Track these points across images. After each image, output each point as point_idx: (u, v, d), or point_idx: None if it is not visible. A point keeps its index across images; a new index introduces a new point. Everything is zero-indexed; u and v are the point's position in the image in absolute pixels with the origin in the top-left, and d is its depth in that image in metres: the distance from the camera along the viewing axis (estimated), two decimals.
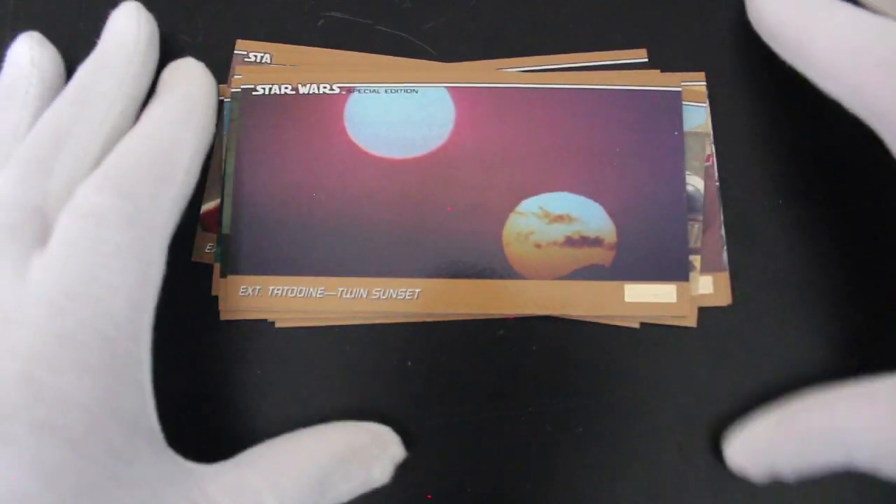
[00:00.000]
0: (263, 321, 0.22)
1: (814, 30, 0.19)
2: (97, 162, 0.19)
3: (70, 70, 0.22)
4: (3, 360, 0.16)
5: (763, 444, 0.19)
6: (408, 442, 0.21)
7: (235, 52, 0.24)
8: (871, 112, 0.18)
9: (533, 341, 0.22)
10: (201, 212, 0.23)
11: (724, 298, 0.22)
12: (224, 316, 0.22)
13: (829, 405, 0.18)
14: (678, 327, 0.22)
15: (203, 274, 0.23)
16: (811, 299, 0.22)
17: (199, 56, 0.24)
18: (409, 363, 0.22)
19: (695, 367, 0.22)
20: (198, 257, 0.23)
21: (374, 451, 0.20)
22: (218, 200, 0.23)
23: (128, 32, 0.21)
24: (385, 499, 0.21)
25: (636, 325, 0.22)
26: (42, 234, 0.18)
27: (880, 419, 0.17)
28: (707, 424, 0.21)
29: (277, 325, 0.22)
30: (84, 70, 0.21)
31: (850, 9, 0.19)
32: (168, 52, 0.24)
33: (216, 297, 0.22)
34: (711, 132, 0.23)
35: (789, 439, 0.19)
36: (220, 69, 0.24)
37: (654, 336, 0.22)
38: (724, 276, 0.22)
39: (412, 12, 0.24)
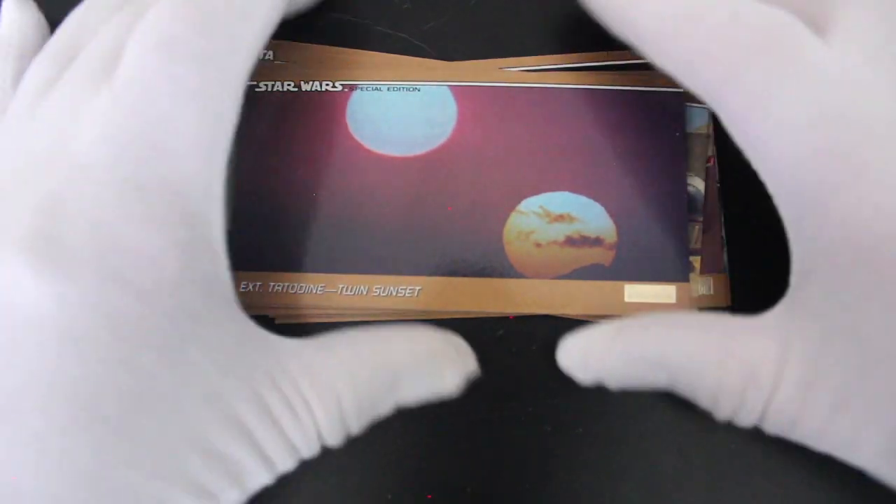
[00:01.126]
0: (264, 317, 0.22)
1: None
2: None
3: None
4: (76, 203, 0.15)
5: (595, 352, 0.19)
6: (408, 442, 0.21)
7: None
8: (705, 90, 0.17)
9: (533, 341, 0.22)
10: None
11: (724, 300, 0.22)
12: None
13: (664, 329, 0.19)
14: None
15: None
16: None
17: None
18: None
19: None
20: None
21: (451, 359, 0.20)
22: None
23: None
24: (386, 499, 0.21)
25: None
26: (110, 63, 0.17)
27: (704, 352, 0.18)
28: (707, 424, 0.21)
29: (277, 321, 0.22)
30: None
31: None
32: None
33: None
34: (712, 134, 0.23)
35: (619, 354, 0.19)
36: None
37: None
38: (724, 278, 0.22)
39: (412, 12, 0.24)
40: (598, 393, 0.21)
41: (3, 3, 0.22)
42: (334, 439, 0.18)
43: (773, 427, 0.18)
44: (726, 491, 0.21)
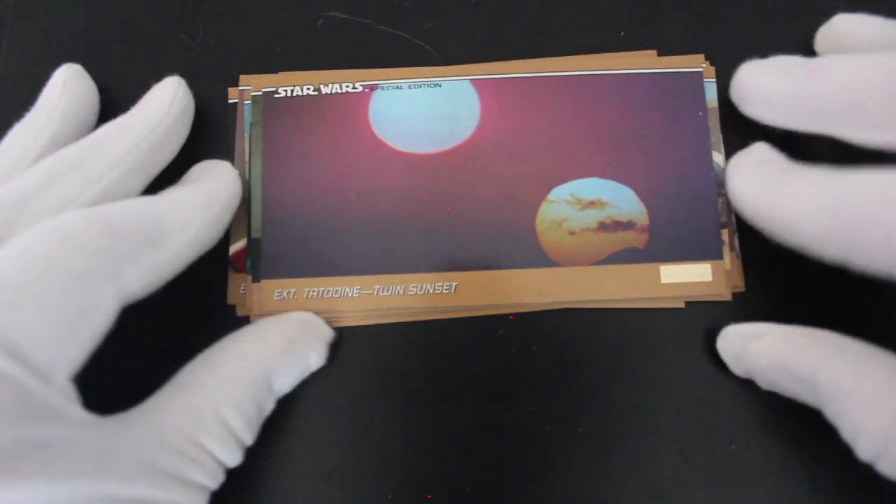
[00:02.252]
0: None
1: (795, 202, 0.18)
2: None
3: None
4: None
5: (751, 352, 0.20)
6: (408, 442, 0.21)
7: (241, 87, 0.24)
8: (875, 261, 0.17)
9: (533, 341, 0.22)
10: (230, 253, 0.22)
11: (738, 278, 0.22)
12: (252, 315, 0.22)
13: (824, 353, 0.18)
14: (677, 326, 0.22)
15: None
16: (818, 290, 0.22)
17: (199, 56, 0.24)
18: (409, 362, 0.22)
19: (695, 366, 0.22)
20: (233, 300, 0.22)
21: (308, 338, 0.21)
22: (245, 240, 0.22)
23: (161, 102, 0.21)
24: (385, 499, 0.21)
25: (681, 305, 0.22)
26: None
27: (855, 389, 0.17)
28: (707, 424, 0.21)
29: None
30: (105, 127, 0.21)
31: (823, 169, 0.18)
32: (167, 52, 0.23)
33: (233, 306, 0.22)
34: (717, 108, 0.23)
35: (774, 364, 0.19)
36: (220, 69, 0.24)
37: (654, 336, 0.22)
38: (735, 259, 0.22)
39: (412, 12, 0.24)
40: (598, 393, 0.22)
41: (59, 69, 0.22)
42: (234, 460, 0.19)
43: None
44: (726, 491, 0.21)
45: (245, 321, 0.22)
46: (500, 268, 0.22)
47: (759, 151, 0.21)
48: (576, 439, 0.21)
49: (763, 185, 0.20)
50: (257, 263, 0.22)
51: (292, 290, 0.22)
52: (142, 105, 0.21)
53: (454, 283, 0.22)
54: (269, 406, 0.20)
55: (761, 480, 0.21)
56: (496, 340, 0.22)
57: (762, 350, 0.20)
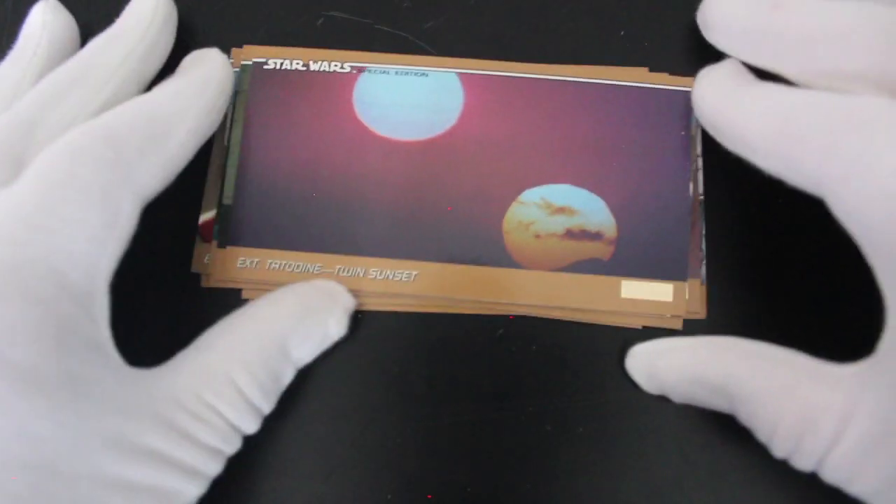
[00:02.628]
0: (239, 291, 0.22)
1: (747, 116, 0.19)
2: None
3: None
4: None
5: (661, 367, 0.20)
6: (408, 442, 0.21)
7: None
8: (806, 179, 0.18)
9: (533, 341, 0.22)
10: (199, 222, 0.23)
11: (699, 307, 0.22)
12: (217, 285, 0.22)
13: (733, 357, 0.19)
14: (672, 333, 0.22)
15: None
16: (783, 321, 0.22)
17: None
18: (410, 367, 0.22)
19: None
20: (197, 268, 0.22)
21: (327, 305, 0.21)
22: (214, 211, 0.23)
23: (144, 11, 0.22)
24: (385, 499, 0.21)
25: (638, 327, 0.22)
26: (5, 177, 0.18)
27: (767, 389, 0.18)
28: (707, 424, 0.21)
29: (244, 296, 0.22)
30: (93, 43, 0.21)
31: (784, 85, 0.19)
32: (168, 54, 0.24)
33: (197, 275, 0.22)
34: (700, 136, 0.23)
35: (684, 375, 0.20)
36: None
37: (653, 336, 0.22)
38: (699, 286, 0.22)
39: (412, 12, 0.25)
40: (599, 393, 0.21)
41: (35, 6, 0.22)
42: (249, 426, 0.19)
43: (829, 478, 0.17)
44: (727, 491, 0.21)
45: (208, 291, 0.22)
46: (462, 263, 0.22)
47: (730, 65, 0.21)
48: (576, 439, 0.21)
49: (725, 94, 0.20)
50: (225, 229, 0.22)
51: (255, 260, 0.22)
52: (126, 16, 0.22)
53: (414, 273, 0.22)
54: (287, 374, 0.20)
55: (761, 480, 0.21)
56: (496, 340, 0.22)
57: (671, 364, 0.20)
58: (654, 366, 0.20)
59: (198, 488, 0.18)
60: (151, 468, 0.17)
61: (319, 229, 0.22)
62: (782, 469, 0.20)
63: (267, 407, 0.19)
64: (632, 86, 0.23)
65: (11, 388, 0.15)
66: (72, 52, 0.22)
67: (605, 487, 0.21)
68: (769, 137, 0.18)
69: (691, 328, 0.22)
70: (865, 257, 0.17)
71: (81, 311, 0.17)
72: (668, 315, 0.22)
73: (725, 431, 0.21)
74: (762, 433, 0.18)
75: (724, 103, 0.20)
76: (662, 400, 0.21)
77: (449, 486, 0.21)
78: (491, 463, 0.21)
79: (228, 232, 0.22)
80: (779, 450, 0.18)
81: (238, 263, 0.22)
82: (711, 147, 0.23)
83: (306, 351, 0.20)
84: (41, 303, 0.16)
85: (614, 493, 0.21)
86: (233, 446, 0.19)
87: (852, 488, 0.17)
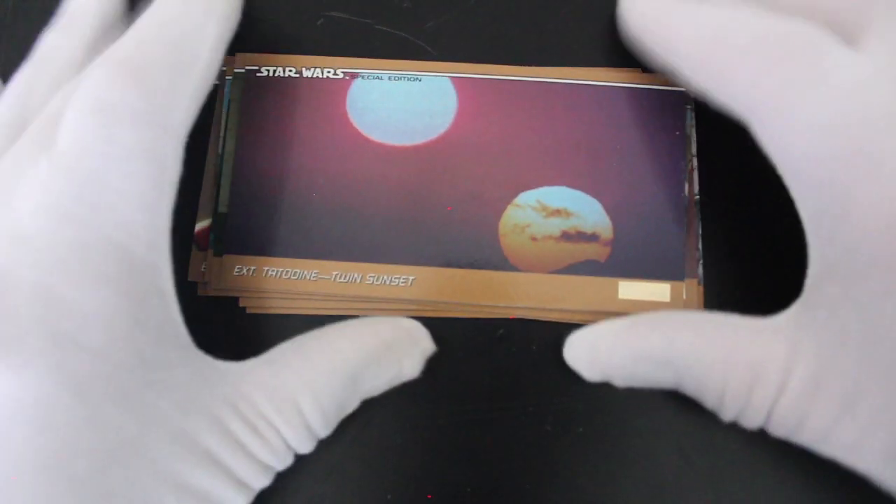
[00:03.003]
0: (234, 300, 0.22)
1: (678, 24, 0.19)
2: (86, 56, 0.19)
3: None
4: (17, 272, 0.15)
5: (601, 349, 0.20)
6: (408, 442, 0.21)
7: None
8: (734, 100, 0.18)
9: (533, 341, 0.22)
10: (196, 230, 0.23)
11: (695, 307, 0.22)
12: (215, 293, 0.22)
13: (671, 327, 0.19)
14: None
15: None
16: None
17: None
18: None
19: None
20: (194, 277, 0.22)
21: (406, 345, 0.20)
22: (210, 220, 0.23)
23: None
24: (385, 499, 0.21)
25: None
26: (48, 135, 0.17)
27: (711, 351, 0.18)
28: (707, 424, 0.21)
29: (249, 310, 0.22)
30: None
31: (712, 4, 0.19)
32: None
33: (194, 284, 0.22)
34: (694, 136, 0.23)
35: (626, 352, 0.19)
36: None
37: None
38: (696, 286, 0.22)
39: (412, 12, 0.25)
40: (599, 393, 0.21)
41: None
42: (304, 447, 0.19)
43: (778, 429, 0.18)
44: (727, 491, 0.21)
45: (205, 300, 0.22)
46: (458, 266, 0.22)
47: None
48: (576, 439, 0.21)
49: (656, 6, 0.20)
50: (220, 238, 0.22)
51: (252, 268, 0.22)
52: None
53: (412, 277, 0.22)
54: (352, 405, 0.20)
55: (761, 480, 0.21)
56: (496, 340, 0.22)
57: (613, 345, 0.19)
58: (595, 349, 0.20)
59: (244, 500, 0.18)
60: (207, 473, 0.17)
61: (315, 236, 0.22)
62: (782, 469, 0.21)
63: (325, 432, 0.19)
64: (626, 87, 0.23)
65: (87, 373, 0.15)
66: (117, 21, 0.22)
67: (605, 487, 0.21)
68: (700, 51, 0.18)
69: None
70: (787, 187, 0.18)
71: (150, 287, 0.17)
72: None
73: (725, 431, 0.21)
74: (711, 397, 0.18)
75: (655, 11, 0.20)
76: (663, 400, 0.21)
77: (449, 486, 0.21)
78: (491, 463, 0.21)
79: (224, 240, 0.22)
80: (728, 411, 0.18)
81: (234, 271, 0.22)
82: (706, 147, 0.23)
83: (375, 386, 0.20)
84: (111, 282, 0.16)
85: (614, 493, 0.21)
86: (284, 463, 0.19)
87: (801, 436, 0.17)
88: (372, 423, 0.21)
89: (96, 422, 0.15)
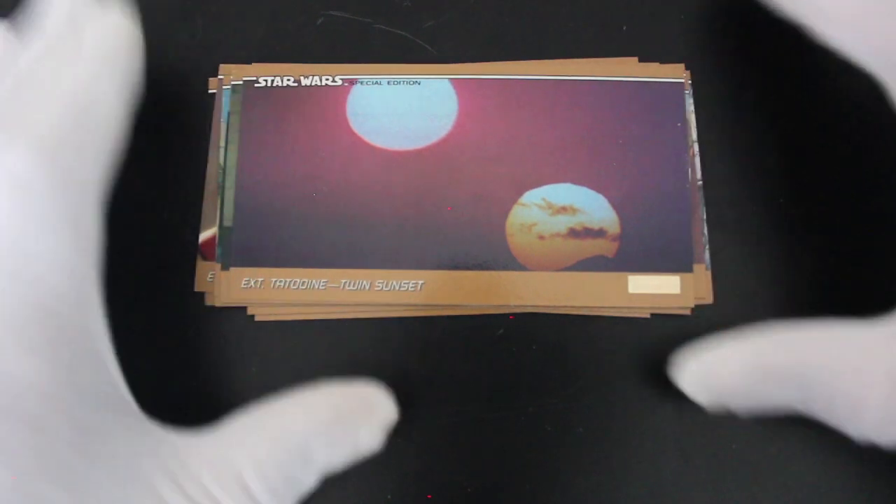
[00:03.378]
0: (242, 309, 0.22)
1: None
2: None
3: None
4: None
5: (718, 370, 0.18)
6: (408, 442, 0.21)
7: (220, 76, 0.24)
8: (873, 56, 0.18)
9: (533, 341, 0.22)
10: (200, 241, 0.23)
11: (705, 293, 0.22)
12: (218, 303, 0.22)
13: (792, 337, 0.18)
14: (678, 327, 0.22)
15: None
16: (788, 304, 0.22)
17: (197, 56, 0.24)
18: (410, 367, 0.22)
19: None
20: (201, 287, 0.22)
21: (362, 413, 0.19)
22: (215, 228, 0.22)
23: None
24: (385, 499, 0.21)
25: (647, 316, 0.22)
26: None
27: (843, 358, 0.17)
28: (707, 424, 0.21)
29: (277, 318, 0.22)
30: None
31: None
32: (166, 52, 0.24)
33: (201, 294, 0.22)
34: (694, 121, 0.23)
35: (745, 370, 0.18)
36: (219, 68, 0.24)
37: (653, 336, 0.22)
38: (704, 271, 0.22)
39: (412, 11, 0.25)
40: (599, 393, 0.21)
41: None
42: None
43: None
44: (727, 491, 0.21)
45: (212, 310, 0.22)
46: (467, 269, 0.22)
47: None
48: (576, 439, 0.21)
49: None
50: (227, 251, 0.22)
51: (260, 280, 0.22)
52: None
53: (420, 282, 0.22)
54: (308, 480, 0.18)
55: (761, 480, 0.21)
56: (496, 340, 0.22)
57: (733, 365, 0.18)
58: (713, 373, 0.18)
59: None
60: None
61: (322, 245, 0.22)
62: (782, 470, 0.21)
63: None
64: (625, 80, 0.23)
65: (21, 447, 0.15)
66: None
67: (605, 487, 0.21)
68: (840, 4, 0.18)
69: (700, 314, 0.22)
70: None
71: (84, 351, 0.17)
72: (677, 306, 0.22)
73: (725, 431, 0.21)
74: (845, 412, 0.17)
75: None
76: (662, 400, 0.21)
77: (449, 486, 0.21)
78: (491, 463, 0.21)
79: (231, 253, 0.22)
80: (867, 425, 0.17)
81: (242, 284, 0.22)
82: (707, 133, 0.23)
83: (334, 459, 0.18)
84: (42, 350, 0.16)
85: (614, 493, 0.21)
86: None
87: None
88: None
89: (29, 498, 0.15)
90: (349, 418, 0.19)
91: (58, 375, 0.16)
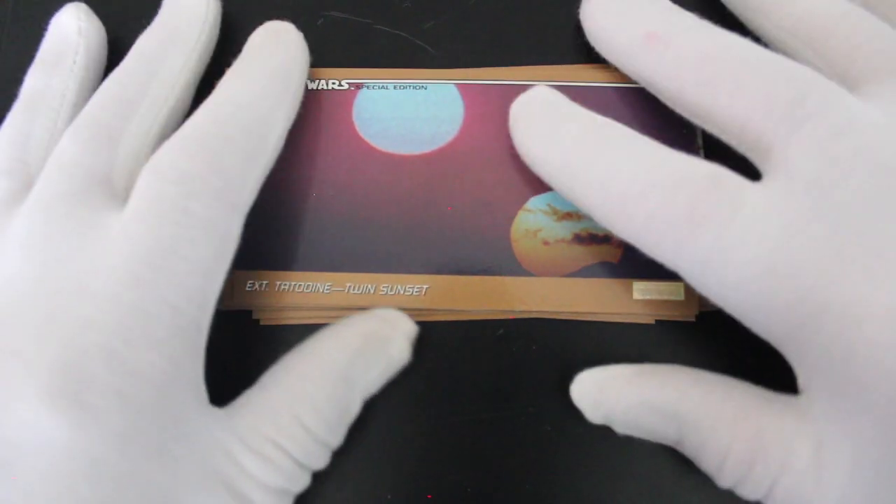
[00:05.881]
0: (248, 313, 0.22)
1: (582, 183, 0.19)
2: (161, 135, 0.19)
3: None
4: (84, 331, 0.16)
5: (609, 393, 0.19)
6: (408, 442, 0.21)
7: None
8: (658, 258, 0.18)
9: (533, 341, 0.22)
10: None
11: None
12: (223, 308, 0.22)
13: (683, 383, 0.19)
14: (679, 327, 0.22)
15: None
16: None
17: None
18: (411, 367, 0.22)
19: (694, 367, 0.22)
20: (235, 300, 0.22)
21: (387, 333, 0.20)
22: None
23: (197, 9, 0.21)
24: (385, 499, 0.21)
25: (651, 322, 0.22)
26: (113, 199, 0.18)
27: (719, 414, 0.18)
28: None
29: (262, 322, 0.22)
30: (148, 41, 0.21)
31: (614, 144, 0.19)
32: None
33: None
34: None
35: (633, 400, 0.19)
36: (221, 71, 0.23)
37: (652, 337, 0.22)
38: None
39: (412, 11, 0.25)
40: None
41: (66, 10, 0.21)
42: (318, 462, 0.19)
43: None
44: (726, 491, 0.21)
45: (218, 313, 0.22)
46: (471, 274, 0.22)
47: (541, 96, 0.21)
48: (576, 439, 0.21)
49: (548, 152, 0.20)
50: None
51: (264, 282, 0.22)
52: (175, 14, 0.21)
53: (425, 287, 0.22)
54: (354, 407, 0.20)
55: None
56: (496, 340, 0.22)
57: (622, 391, 0.19)
58: (603, 393, 0.19)
59: None
60: None
61: (327, 248, 0.22)
62: None
63: (335, 441, 0.19)
64: (630, 87, 0.23)
65: (132, 431, 0.16)
66: (103, 61, 0.22)
67: (605, 487, 0.21)
68: (611, 217, 0.19)
69: (704, 321, 0.22)
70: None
71: (192, 347, 0.17)
72: (681, 313, 0.22)
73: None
74: (710, 461, 0.18)
75: (552, 166, 0.20)
76: None
77: (449, 486, 0.21)
78: (491, 463, 0.21)
79: (236, 256, 0.22)
80: (727, 479, 0.18)
81: (247, 287, 0.22)
82: (713, 139, 0.23)
83: (371, 381, 0.20)
84: (162, 345, 0.16)
85: (614, 493, 0.21)
86: (300, 485, 0.19)
87: None
88: (372, 423, 0.21)
89: (136, 477, 0.16)
90: (377, 339, 0.20)
91: (166, 368, 0.17)
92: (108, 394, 0.16)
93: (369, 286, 0.22)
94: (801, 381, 0.17)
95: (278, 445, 0.18)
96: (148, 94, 0.20)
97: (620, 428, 0.20)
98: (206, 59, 0.22)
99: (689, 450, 0.19)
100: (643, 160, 0.18)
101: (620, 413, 0.19)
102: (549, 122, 0.20)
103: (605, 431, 0.21)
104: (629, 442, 0.21)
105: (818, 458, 0.16)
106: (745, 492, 0.18)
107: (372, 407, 0.21)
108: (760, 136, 0.18)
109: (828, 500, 0.16)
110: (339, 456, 0.21)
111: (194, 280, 0.17)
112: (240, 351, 0.22)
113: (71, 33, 0.21)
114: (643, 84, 0.21)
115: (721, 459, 0.18)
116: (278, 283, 0.22)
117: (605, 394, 0.19)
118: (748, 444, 0.17)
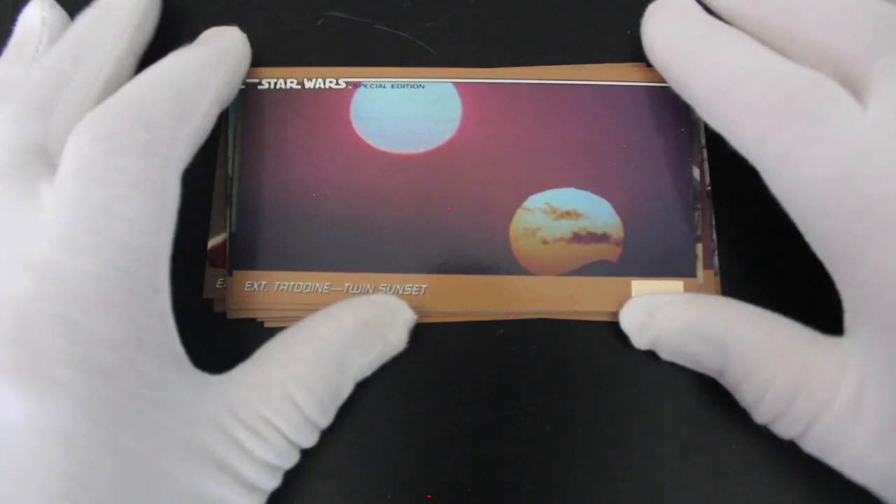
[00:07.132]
0: (252, 319, 0.22)
1: (693, 71, 0.19)
2: (97, 103, 0.19)
3: None
4: (33, 303, 0.16)
5: (660, 316, 0.20)
6: (408, 442, 0.21)
7: None
8: (745, 151, 0.18)
9: (533, 341, 0.22)
10: (209, 247, 0.22)
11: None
12: (231, 314, 0.22)
13: (734, 313, 0.19)
14: None
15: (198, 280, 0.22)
16: (799, 309, 0.22)
17: None
18: (409, 362, 0.22)
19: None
20: (209, 294, 0.22)
21: (385, 319, 0.20)
22: (225, 235, 0.22)
23: None
24: (385, 499, 0.21)
25: None
26: (50, 170, 0.18)
27: (767, 346, 0.18)
28: (707, 424, 0.21)
29: (267, 324, 0.22)
30: (84, 17, 0.21)
31: (733, 42, 0.19)
32: (165, 53, 0.23)
33: (210, 300, 0.22)
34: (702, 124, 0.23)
35: (683, 324, 0.19)
36: None
37: None
38: (713, 276, 0.22)
39: (412, 11, 0.24)
40: (599, 392, 0.21)
41: (32, 4, 0.22)
42: (307, 441, 0.19)
43: (812, 446, 0.18)
44: (727, 490, 0.21)
45: (221, 316, 0.22)
46: (470, 273, 0.22)
47: (678, 1, 0.21)
48: (576, 439, 0.21)
49: (674, 41, 0.20)
50: (231, 254, 0.22)
51: (263, 283, 0.22)
52: None
53: (424, 286, 0.22)
54: (346, 389, 0.20)
55: (761, 480, 0.21)
56: (496, 340, 0.22)
57: (671, 314, 0.20)
58: (652, 316, 0.20)
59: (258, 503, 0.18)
60: (220, 483, 0.17)
61: (325, 248, 0.22)
62: (782, 469, 0.21)
63: (325, 421, 0.19)
64: (630, 85, 0.23)
65: (101, 399, 0.16)
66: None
67: (605, 487, 0.21)
68: (713, 100, 0.19)
69: None
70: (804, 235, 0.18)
71: (152, 310, 0.17)
72: None
73: (725, 431, 0.21)
74: (751, 394, 0.18)
75: (673, 52, 0.20)
76: (662, 400, 0.21)
77: (449, 486, 0.21)
78: (491, 463, 0.21)
79: (234, 256, 0.22)
80: (766, 413, 0.18)
81: (246, 287, 0.22)
82: (716, 137, 0.23)
83: (366, 365, 0.20)
84: (117, 308, 0.16)
85: (614, 492, 0.21)
86: (290, 461, 0.19)
87: (834, 459, 0.17)
88: (372, 423, 0.21)
89: (112, 446, 0.16)
90: (376, 324, 0.20)
91: (128, 332, 0.16)
92: (70, 363, 0.15)
93: (368, 286, 0.22)
94: (848, 315, 0.17)
95: (270, 422, 0.18)
96: (82, 65, 0.20)
97: (666, 353, 0.20)
98: (147, 31, 0.22)
99: (730, 380, 0.19)
100: (758, 57, 0.18)
101: (668, 338, 0.20)
102: (682, 19, 0.21)
103: (605, 431, 0.21)
104: (629, 442, 0.21)
105: (859, 396, 0.16)
106: (780, 429, 0.18)
107: (372, 407, 0.21)
108: (845, 62, 0.18)
109: (865, 440, 0.16)
110: (339, 456, 0.21)
111: (137, 239, 0.17)
112: (240, 351, 0.22)
113: (35, 24, 0.22)
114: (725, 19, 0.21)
115: (762, 392, 0.18)
116: (277, 283, 0.22)
117: (655, 318, 0.20)
118: (791, 379, 0.17)
